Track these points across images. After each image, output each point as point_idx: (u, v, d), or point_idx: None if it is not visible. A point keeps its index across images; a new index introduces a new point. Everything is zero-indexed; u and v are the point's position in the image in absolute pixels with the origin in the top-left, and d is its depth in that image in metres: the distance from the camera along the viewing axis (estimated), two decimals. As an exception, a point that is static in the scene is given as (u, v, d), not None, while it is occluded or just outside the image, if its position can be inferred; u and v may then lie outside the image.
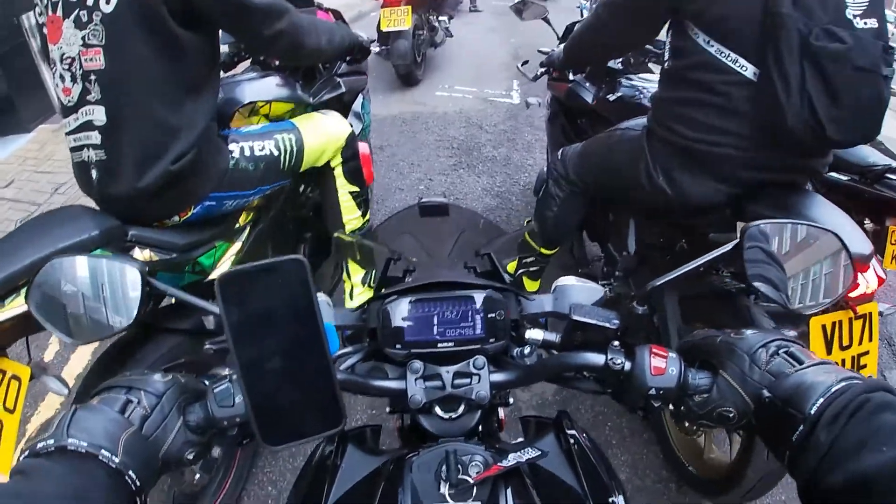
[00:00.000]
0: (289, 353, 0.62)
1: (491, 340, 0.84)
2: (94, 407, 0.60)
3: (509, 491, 0.72)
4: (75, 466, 0.54)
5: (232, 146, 1.63)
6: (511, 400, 1.02)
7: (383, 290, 0.88)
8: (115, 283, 0.78)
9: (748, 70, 1.49)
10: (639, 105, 2.20)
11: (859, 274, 1.49)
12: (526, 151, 4.67)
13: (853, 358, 1.58)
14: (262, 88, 1.88)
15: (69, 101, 1.42)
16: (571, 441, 0.86)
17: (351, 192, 2.06)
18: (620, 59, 2.64)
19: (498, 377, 0.82)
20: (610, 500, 0.80)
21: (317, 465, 0.88)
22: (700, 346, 0.75)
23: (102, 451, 0.55)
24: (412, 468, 0.74)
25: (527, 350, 0.88)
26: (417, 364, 0.81)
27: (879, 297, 2.08)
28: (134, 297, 0.77)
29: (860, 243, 1.51)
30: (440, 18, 6.54)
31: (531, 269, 2.35)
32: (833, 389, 0.56)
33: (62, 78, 1.40)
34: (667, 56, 1.72)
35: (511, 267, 1.30)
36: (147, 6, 1.32)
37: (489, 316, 0.84)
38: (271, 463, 2.19)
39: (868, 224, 2.41)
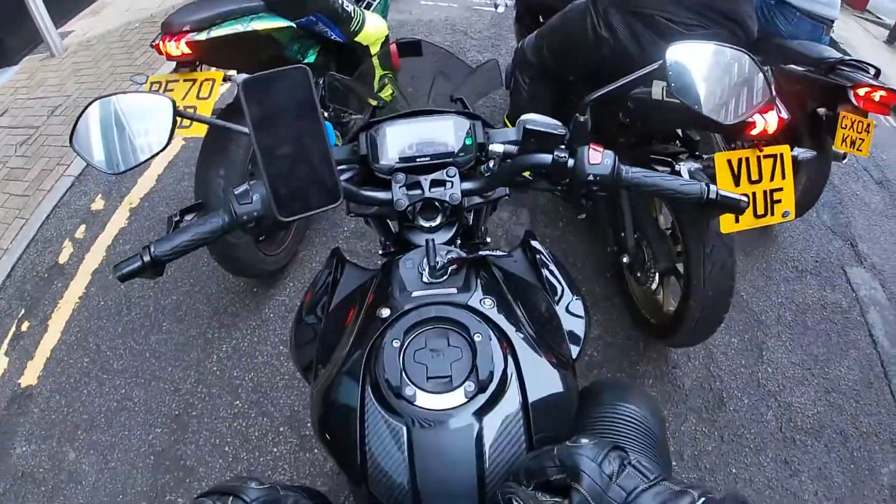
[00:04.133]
0: (296, 141, 0.77)
1: (461, 155, 1.01)
2: None
3: (479, 281, 0.90)
4: None
5: None
6: (483, 228, 1.25)
7: (370, 120, 1.05)
8: (151, 113, 0.94)
9: None
10: None
11: (760, 113, 1.67)
12: (509, 56, 4.61)
13: (765, 192, 1.76)
14: None
15: None
16: (536, 252, 1.07)
17: (382, 74, 2.69)
18: None
19: (467, 185, 0.99)
20: (570, 299, 1.01)
21: (321, 282, 1.08)
22: None
23: None
24: (399, 265, 0.92)
25: (491, 164, 1.03)
26: (401, 175, 0.98)
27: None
28: (166, 125, 0.93)
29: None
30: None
31: None
32: None
33: None
34: None
35: None
36: None
37: (458, 134, 1.01)
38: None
39: (821, 110, 2.66)
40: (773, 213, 1.79)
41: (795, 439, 2.26)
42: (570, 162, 0.92)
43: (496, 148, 1.01)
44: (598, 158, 0.90)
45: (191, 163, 2.14)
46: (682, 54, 1.00)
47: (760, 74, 1.00)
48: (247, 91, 0.74)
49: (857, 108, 2.48)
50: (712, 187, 0.93)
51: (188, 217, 0.93)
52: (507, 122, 2.60)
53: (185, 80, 2.00)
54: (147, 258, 0.84)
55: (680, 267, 2.06)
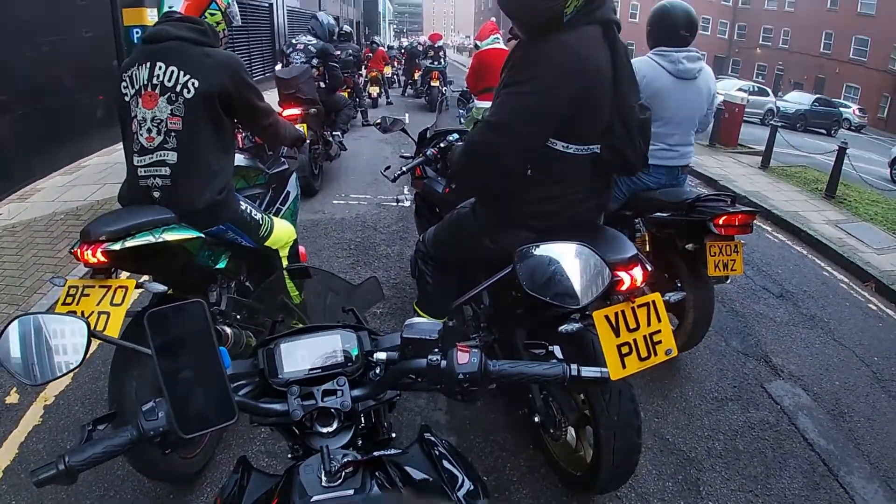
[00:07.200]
0: (195, 365, 0.85)
1: (349, 364, 1.11)
2: None
3: (375, 481, 0.95)
4: None
5: (241, 202, 2.52)
6: (386, 425, 1.34)
7: (266, 338, 1.16)
8: (67, 333, 1.04)
9: (594, 147, 1.98)
10: None
11: (626, 271, 1.88)
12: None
13: (645, 337, 1.91)
14: (239, 159, 2.82)
15: (150, 146, 2.24)
16: (432, 446, 1.16)
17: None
18: None
19: (357, 391, 1.08)
20: (468, 486, 1.07)
21: (228, 490, 1.12)
22: None
23: None
24: (300, 471, 0.97)
25: (378, 370, 1.13)
26: (295, 387, 1.06)
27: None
28: (81, 345, 1.03)
29: (625, 249, 1.95)
30: (334, 133, 7.04)
31: None
32: None
33: (149, 130, 2.24)
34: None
35: None
36: (209, 99, 2.24)
37: (346, 346, 1.12)
38: None
39: (689, 245, 2.97)
40: (656, 354, 1.92)
41: (757, 567, 2.17)
42: (443, 363, 1.02)
43: (380, 356, 1.11)
44: (465, 358, 1.02)
45: (107, 361, 2.15)
46: (529, 256, 1.19)
47: (601, 261, 1.18)
48: (150, 322, 0.84)
49: (721, 235, 2.81)
50: (573, 367, 1.06)
51: (100, 427, 0.99)
52: (416, 309, 2.73)
53: (100, 286, 2.10)
54: (62, 466, 0.89)
55: (587, 412, 2.11)
